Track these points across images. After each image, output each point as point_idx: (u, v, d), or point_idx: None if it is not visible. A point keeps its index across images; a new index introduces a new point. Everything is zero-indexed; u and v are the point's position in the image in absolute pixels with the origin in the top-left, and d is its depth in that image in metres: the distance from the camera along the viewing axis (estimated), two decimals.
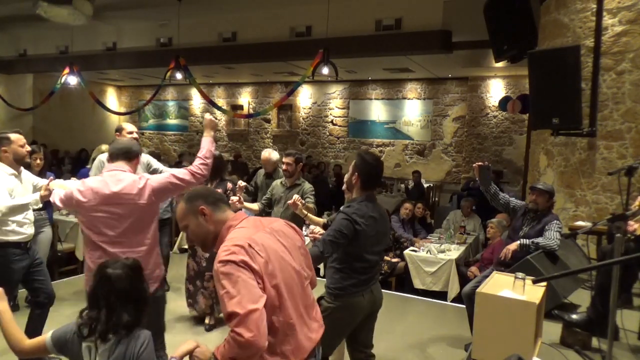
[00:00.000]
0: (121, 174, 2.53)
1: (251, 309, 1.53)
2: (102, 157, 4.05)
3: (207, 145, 2.74)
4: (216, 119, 14.57)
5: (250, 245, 1.66)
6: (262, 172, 5.25)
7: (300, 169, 4.29)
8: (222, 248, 1.66)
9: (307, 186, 4.29)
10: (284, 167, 4.31)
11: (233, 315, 1.54)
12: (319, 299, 2.57)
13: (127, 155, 2.62)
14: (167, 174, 2.64)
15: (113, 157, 2.61)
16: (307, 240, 2.79)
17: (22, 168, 3.33)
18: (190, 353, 1.62)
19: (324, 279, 2.74)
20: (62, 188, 2.72)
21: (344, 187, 2.79)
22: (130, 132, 3.84)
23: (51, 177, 3.04)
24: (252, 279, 1.60)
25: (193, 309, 4.42)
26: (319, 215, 4.59)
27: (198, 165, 2.64)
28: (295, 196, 3.41)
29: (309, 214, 3.41)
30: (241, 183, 4.17)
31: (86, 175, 4.10)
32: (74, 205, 2.51)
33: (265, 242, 1.73)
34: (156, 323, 2.66)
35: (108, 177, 2.52)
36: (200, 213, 1.81)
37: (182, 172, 2.62)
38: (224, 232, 1.79)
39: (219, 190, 3.53)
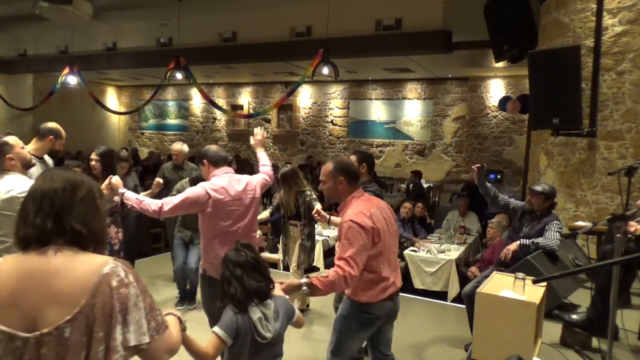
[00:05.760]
0: (236, 175, 3.05)
1: (358, 258, 2.30)
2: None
3: (265, 156, 3.39)
4: (215, 119, 14.69)
5: (370, 215, 2.41)
6: (169, 165, 5.52)
7: None
8: (352, 211, 2.42)
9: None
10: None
11: (344, 258, 2.29)
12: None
13: (227, 161, 3.11)
14: (260, 175, 3.22)
15: (219, 163, 3.01)
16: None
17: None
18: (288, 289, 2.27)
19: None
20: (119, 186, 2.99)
21: None
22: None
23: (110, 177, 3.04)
24: (366, 238, 2.34)
25: None
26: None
27: (270, 172, 3.29)
28: None
29: None
30: (160, 180, 3.88)
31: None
32: (206, 204, 2.81)
33: (377, 215, 2.47)
34: None
35: (230, 178, 2.97)
36: (339, 182, 2.52)
37: (268, 176, 3.24)
38: (349, 199, 2.53)
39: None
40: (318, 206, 4.13)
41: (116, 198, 3.49)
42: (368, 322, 2.55)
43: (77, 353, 1.18)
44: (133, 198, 2.85)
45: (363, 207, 2.44)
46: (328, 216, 3.82)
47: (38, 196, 1.27)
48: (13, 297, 1.19)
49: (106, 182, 3.01)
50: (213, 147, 3.11)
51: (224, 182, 2.93)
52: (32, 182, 2.69)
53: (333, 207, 5.16)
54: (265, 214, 4.83)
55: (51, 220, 1.25)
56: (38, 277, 1.20)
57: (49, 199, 1.26)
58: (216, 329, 1.93)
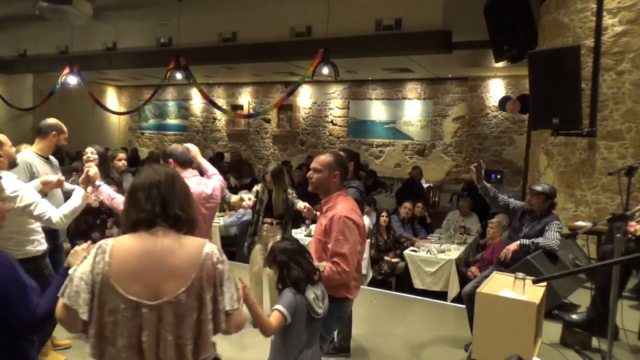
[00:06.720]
0: (203, 179, 3.04)
1: (353, 254, 2.40)
2: (26, 159, 3.32)
3: (209, 164, 3.39)
4: (215, 119, 14.69)
5: (359, 214, 2.55)
6: None
7: None
8: (343, 207, 2.47)
9: None
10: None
11: (342, 254, 2.37)
12: None
13: (192, 164, 3.06)
14: (215, 178, 3.19)
15: (186, 165, 2.97)
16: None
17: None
18: None
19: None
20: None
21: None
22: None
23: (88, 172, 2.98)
24: (358, 235, 2.44)
25: None
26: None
27: (221, 177, 3.29)
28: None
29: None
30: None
31: None
32: None
33: (360, 215, 2.59)
34: None
35: (199, 181, 2.96)
36: (333, 175, 2.56)
37: (222, 180, 3.21)
38: (335, 195, 2.56)
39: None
40: (301, 204, 4.13)
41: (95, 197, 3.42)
42: (343, 320, 2.69)
43: (190, 314, 1.46)
44: (106, 193, 2.84)
45: (353, 205, 2.56)
46: (315, 212, 3.85)
47: (147, 186, 1.53)
48: (137, 272, 1.44)
49: (83, 175, 2.90)
50: (180, 148, 3.01)
51: (194, 184, 2.91)
52: (20, 181, 2.74)
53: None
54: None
55: (159, 206, 1.51)
56: (156, 255, 1.47)
57: (156, 188, 1.52)
58: (279, 306, 2.16)
